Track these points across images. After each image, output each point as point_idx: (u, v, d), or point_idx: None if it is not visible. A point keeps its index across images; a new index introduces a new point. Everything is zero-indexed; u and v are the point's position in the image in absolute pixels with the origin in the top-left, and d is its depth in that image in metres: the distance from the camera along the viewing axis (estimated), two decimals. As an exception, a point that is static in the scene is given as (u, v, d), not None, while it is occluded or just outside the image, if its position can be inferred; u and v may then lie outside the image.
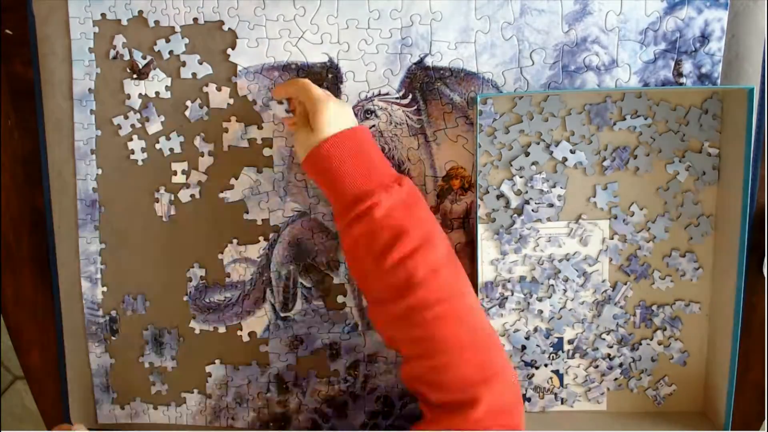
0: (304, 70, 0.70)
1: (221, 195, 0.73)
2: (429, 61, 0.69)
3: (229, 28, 0.70)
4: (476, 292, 0.69)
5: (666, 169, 0.68)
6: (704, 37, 0.66)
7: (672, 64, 0.66)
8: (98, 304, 0.76)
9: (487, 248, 0.70)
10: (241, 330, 0.75)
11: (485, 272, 0.71)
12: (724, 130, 0.66)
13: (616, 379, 0.72)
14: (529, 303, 0.71)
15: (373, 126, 0.70)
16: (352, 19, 0.69)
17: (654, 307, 0.70)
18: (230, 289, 0.75)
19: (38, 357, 0.79)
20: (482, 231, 0.70)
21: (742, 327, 0.70)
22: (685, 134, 0.67)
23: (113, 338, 0.77)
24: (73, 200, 0.75)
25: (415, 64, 0.69)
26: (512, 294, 0.71)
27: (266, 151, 0.72)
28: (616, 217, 0.69)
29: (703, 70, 0.66)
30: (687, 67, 0.66)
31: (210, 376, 0.76)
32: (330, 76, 0.70)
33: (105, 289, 0.76)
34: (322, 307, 0.74)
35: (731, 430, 0.72)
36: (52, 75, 0.73)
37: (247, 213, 0.73)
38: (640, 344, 0.71)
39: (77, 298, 0.76)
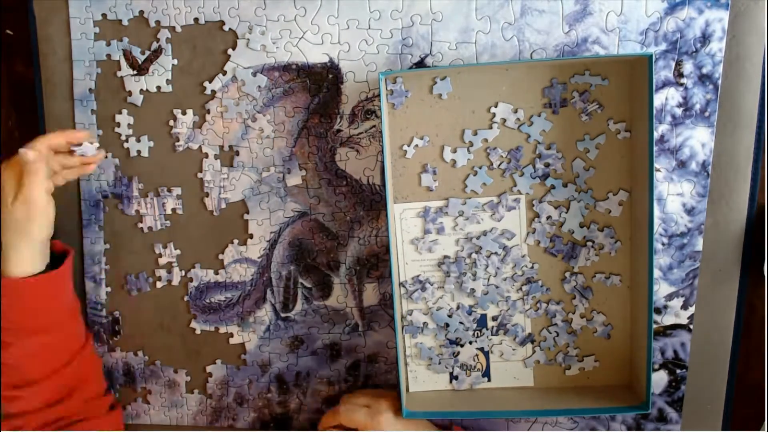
0: (305, 71, 0.70)
1: (222, 195, 0.73)
2: (429, 62, 0.69)
3: (230, 29, 0.70)
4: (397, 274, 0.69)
5: (576, 147, 0.68)
6: (705, 38, 0.66)
7: (673, 64, 0.66)
8: (101, 304, 0.76)
9: (408, 228, 0.70)
10: (242, 330, 0.75)
11: (406, 251, 0.71)
12: (631, 104, 0.66)
13: (535, 353, 0.72)
14: (452, 281, 0.71)
15: (374, 126, 0.70)
16: (352, 19, 0.69)
17: (574, 280, 0.70)
18: (230, 289, 0.75)
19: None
20: (401, 210, 0.70)
21: (741, 328, 0.70)
22: (595, 110, 0.67)
23: (115, 338, 0.77)
24: (76, 200, 0.75)
25: (415, 64, 0.69)
26: (433, 272, 0.71)
27: (267, 152, 0.72)
28: (532, 197, 0.69)
29: (704, 71, 0.66)
30: (688, 67, 0.66)
31: (210, 376, 0.77)
32: (330, 76, 0.70)
33: (109, 289, 0.76)
34: (322, 308, 0.74)
35: (731, 430, 0.72)
36: (52, 75, 0.73)
37: (248, 213, 0.73)
38: (564, 319, 0.71)
39: (79, 298, 0.76)
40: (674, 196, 0.68)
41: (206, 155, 0.73)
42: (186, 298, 0.75)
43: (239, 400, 0.77)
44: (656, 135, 0.67)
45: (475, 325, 0.72)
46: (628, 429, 0.73)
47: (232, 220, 0.74)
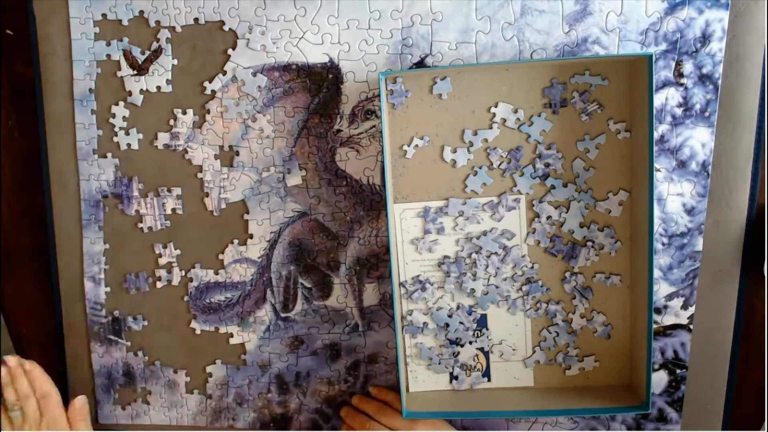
0: (305, 71, 0.70)
1: (222, 195, 0.73)
2: (430, 62, 0.69)
3: (230, 29, 0.70)
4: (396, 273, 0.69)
5: (576, 147, 0.68)
6: (705, 38, 0.66)
7: (673, 64, 0.66)
8: (101, 304, 0.76)
9: (408, 228, 0.70)
10: (242, 330, 0.75)
11: (406, 251, 0.71)
12: (631, 104, 0.66)
13: (535, 353, 0.72)
14: (452, 281, 0.71)
15: (374, 126, 0.70)
16: (352, 19, 0.69)
17: (575, 280, 0.70)
18: (230, 289, 0.75)
19: (38, 357, 0.79)
20: (401, 210, 0.70)
21: (741, 328, 0.70)
22: (595, 110, 0.67)
23: (120, 340, 0.77)
24: (76, 200, 0.75)
25: (415, 64, 0.69)
26: (433, 272, 0.71)
27: (266, 152, 0.72)
28: (532, 197, 0.69)
29: (704, 71, 0.66)
30: (688, 67, 0.66)
31: (210, 376, 0.77)
32: (330, 76, 0.70)
33: (108, 289, 0.76)
34: (322, 308, 0.74)
35: (731, 430, 0.72)
36: (52, 75, 0.73)
37: (248, 213, 0.73)
38: (564, 319, 0.71)
39: (79, 298, 0.76)
40: (674, 196, 0.68)
41: (206, 155, 0.73)
42: (186, 298, 0.75)
43: (239, 401, 0.77)
44: (656, 135, 0.67)
45: (475, 325, 0.72)
46: (628, 429, 0.73)
47: (232, 220, 0.74)
